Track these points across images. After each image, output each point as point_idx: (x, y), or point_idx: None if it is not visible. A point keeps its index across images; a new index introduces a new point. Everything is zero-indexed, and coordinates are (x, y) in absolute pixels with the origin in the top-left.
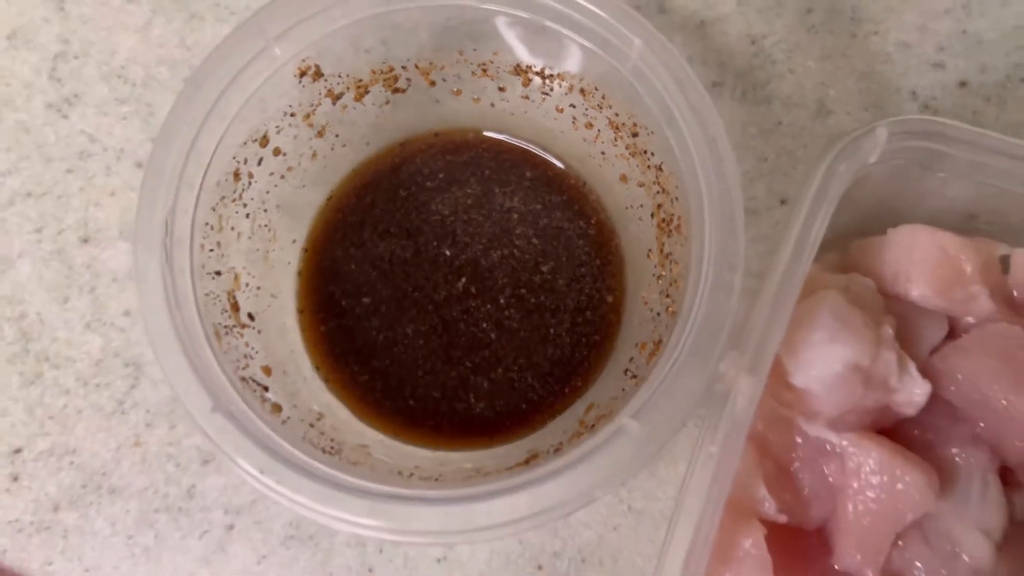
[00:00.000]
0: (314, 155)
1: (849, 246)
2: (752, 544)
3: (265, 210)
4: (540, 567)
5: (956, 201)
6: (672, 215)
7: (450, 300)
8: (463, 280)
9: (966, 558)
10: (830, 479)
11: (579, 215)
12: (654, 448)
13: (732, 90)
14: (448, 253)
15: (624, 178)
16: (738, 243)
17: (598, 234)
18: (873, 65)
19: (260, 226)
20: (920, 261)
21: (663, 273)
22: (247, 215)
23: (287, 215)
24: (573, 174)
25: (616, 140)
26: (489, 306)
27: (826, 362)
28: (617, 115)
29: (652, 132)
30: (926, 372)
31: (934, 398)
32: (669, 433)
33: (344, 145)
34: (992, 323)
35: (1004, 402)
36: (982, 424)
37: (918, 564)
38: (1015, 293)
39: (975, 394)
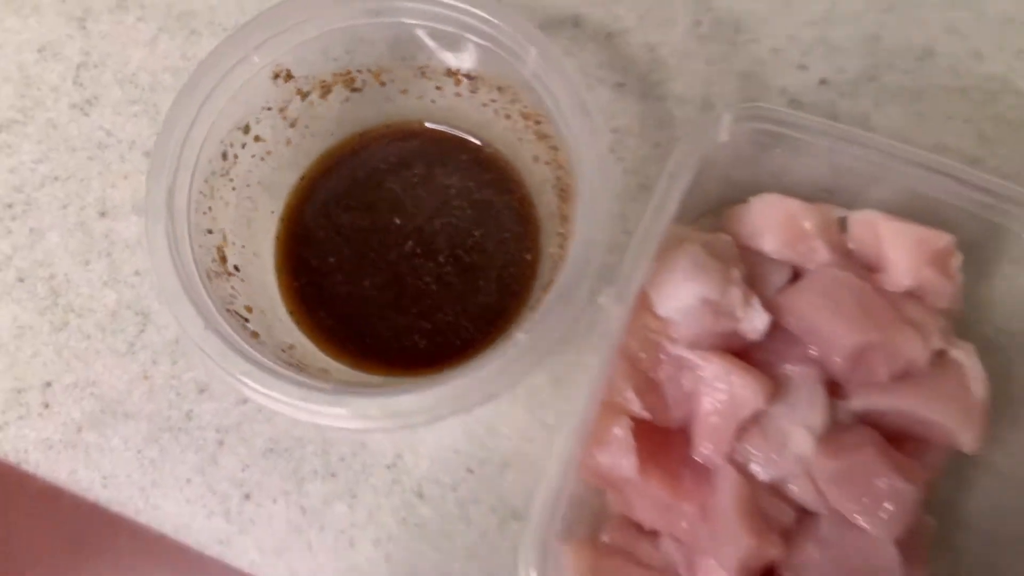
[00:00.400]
0: (288, 142)
1: (723, 213)
2: (620, 431)
3: (248, 185)
4: (470, 470)
5: (809, 176)
6: (567, 185)
7: (400, 259)
8: (410, 243)
9: (792, 448)
10: (687, 388)
11: (505, 190)
12: (537, 356)
13: (633, 90)
14: (398, 222)
15: (536, 158)
16: (605, 206)
17: (520, 206)
18: (750, 67)
19: (244, 198)
20: (771, 221)
21: (561, 231)
22: (233, 188)
23: (266, 191)
24: (500, 156)
25: (527, 128)
26: (431, 264)
27: (683, 296)
28: (525, 107)
29: (548, 122)
30: (770, 307)
31: (776, 327)
32: (550, 343)
33: (313, 134)
34: (826, 268)
35: (827, 328)
36: (812, 348)
37: (755, 453)
38: (851, 247)
39: (807, 323)
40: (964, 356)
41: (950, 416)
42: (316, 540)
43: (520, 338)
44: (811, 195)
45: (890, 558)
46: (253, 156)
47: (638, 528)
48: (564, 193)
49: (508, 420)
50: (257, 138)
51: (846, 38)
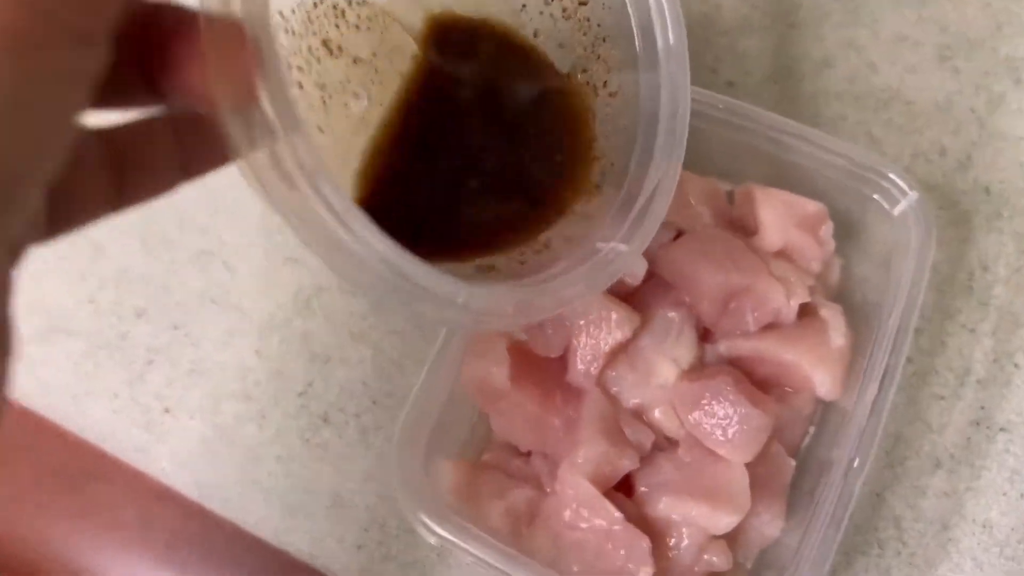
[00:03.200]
0: None
1: None
2: (497, 344)
3: None
4: (375, 402)
5: (710, 156)
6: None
7: (461, 146)
8: (473, 131)
9: (657, 378)
10: (567, 322)
11: (561, 91)
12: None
13: None
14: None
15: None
16: None
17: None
18: None
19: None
20: None
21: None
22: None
23: None
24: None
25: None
26: (490, 150)
27: None
28: None
29: None
30: (651, 259)
31: (653, 277)
32: None
33: None
34: (705, 227)
35: (698, 273)
36: (686, 295)
37: (623, 379)
38: (734, 216)
39: (680, 271)
40: (829, 313)
41: (807, 359)
42: (224, 455)
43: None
44: (707, 173)
45: (739, 479)
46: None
47: (516, 451)
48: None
49: (416, 357)
50: None
51: (753, 47)
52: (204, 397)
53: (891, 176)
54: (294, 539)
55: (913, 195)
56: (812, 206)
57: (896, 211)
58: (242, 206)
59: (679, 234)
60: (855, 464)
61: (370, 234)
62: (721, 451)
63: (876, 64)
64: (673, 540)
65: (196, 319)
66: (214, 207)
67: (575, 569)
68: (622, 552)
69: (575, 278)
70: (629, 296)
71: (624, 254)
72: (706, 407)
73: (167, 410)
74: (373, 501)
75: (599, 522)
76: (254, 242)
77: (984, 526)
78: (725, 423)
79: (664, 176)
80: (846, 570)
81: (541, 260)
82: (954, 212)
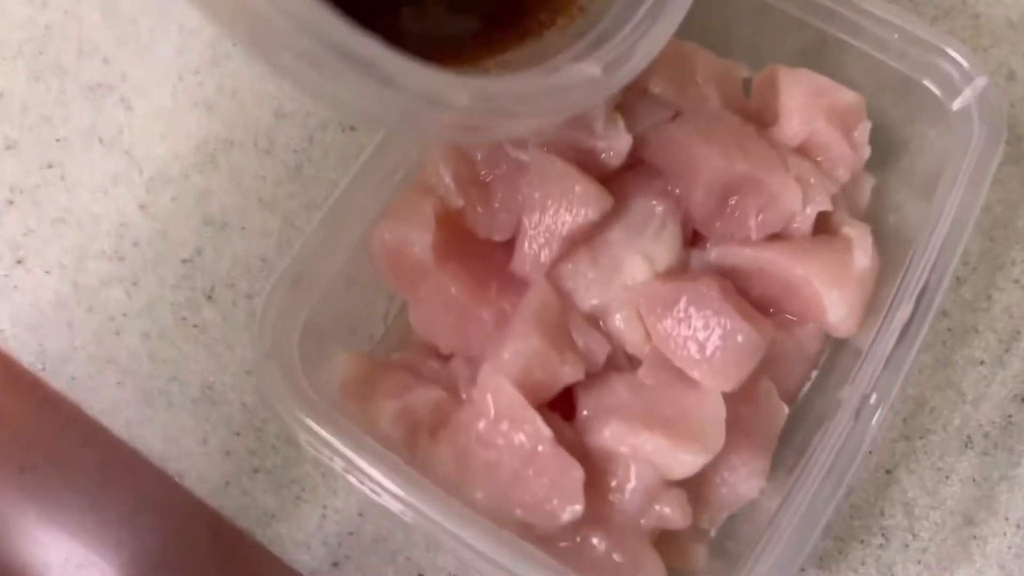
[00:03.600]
0: None
1: None
2: (422, 205)
3: None
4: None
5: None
6: None
7: None
8: None
9: (624, 276)
10: (520, 198)
11: None
12: None
13: None
14: None
15: None
16: None
17: None
18: None
19: None
20: (662, 63)
21: None
22: None
23: None
24: None
25: None
26: None
27: None
28: None
29: None
30: (641, 140)
31: (640, 163)
32: None
33: None
34: (709, 109)
35: (692, 156)
36: (677, 187)
37: (582, 274)
38: (752, 106)
39: (672, 153)
40: (854, 231)
41: (821, 278)
42: (79, 320)
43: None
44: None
45: (712, 410)
46: None
47: (435, 353)
48: None
49: None
50: None
51: None
52: (68, 251)
53: (951, 54)
54: (146, 434)
55: (980, 81)
56: (848, 95)
57: (955, 105)
58: (157, 39)
59: (678, 115)
60: (871, 401)
61: None
62: (694, 372)
63: None
64: (616, 480)
65: (76, 160)
66: (122, 36)
67: (478, 496)
68: (545, 481)
69: (540, 91)
70: (606, 180)
71: (598, 80)
72: (681, 315)
73: (20, 261)
74: (252, 401)
75: (520, 439)
76: (162, 81)
77: (1018, 526)
78: (704, 337)
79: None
80: (838, 560)
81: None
82: (1018, 148)
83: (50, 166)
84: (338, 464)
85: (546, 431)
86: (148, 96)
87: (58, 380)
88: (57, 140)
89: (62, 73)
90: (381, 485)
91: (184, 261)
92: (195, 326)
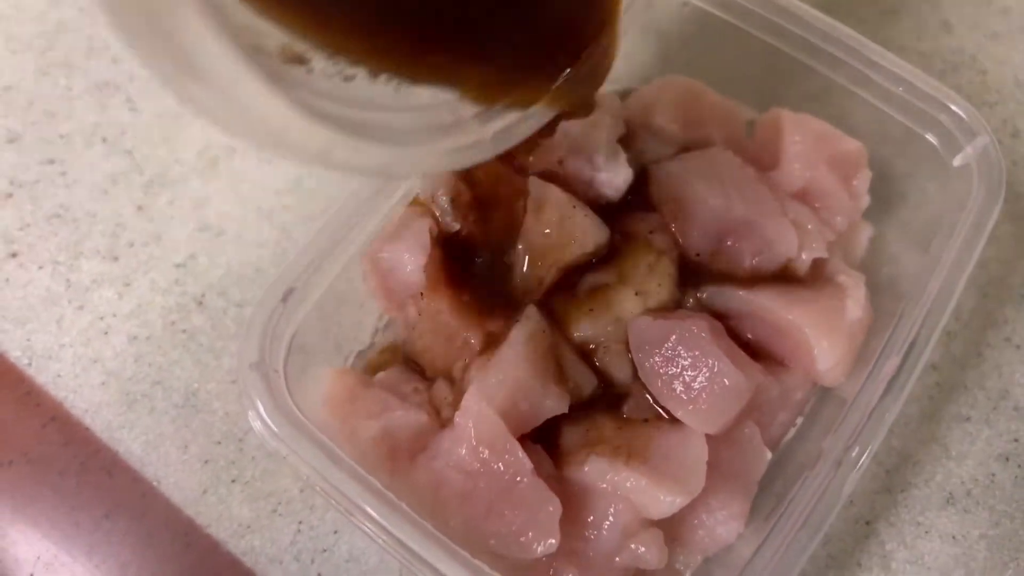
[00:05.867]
0: None
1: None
2: (418, 226)
3: None
4: None
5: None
6: None
7: None
8: None
9: (616, 310)
10: (518, 224)
11: None
12: None
13: None
14: None
15: None
16: None
17: None
18: None
19: None
20: (668, 97)
21: None
22: None
23: None
24: None
25: None
26: None
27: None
28: None
29: None
30: (641, 173)
31: (641, 196)
32: None
33: None
34: (713, 148)
35: (692, 195)
36: (674, 223)
37: (574, 304)
38: (754, 148)
39: (672, 190)
40: (849, 280)
41: (813, 325)
42: (69, 318)
43: None
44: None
45: (694, 452)
46: None
47: (420, 374)
48: None
49: None
50: None
51: None
52: (62, 248)
53: (955, 110)
54: (127, 437)
55: (982, 139)
56: (850, 144)
57: (956, 161)
58: None
59: (680, 151)
60: (852, 454)
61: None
62: (679, 412)
63: (951, 23)
64: (594, 516)
65: (77, 157)
66: None
67: (452, 523)
68: (521, 513)
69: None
70: (605, 211)
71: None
72: (669, 353)
73: (13, 255)
74: (235, 411)
75: (499, 467)
76: None
77: None
78: (691, 377)
79: None
80: None
81: None
82: (1017, 206)
83: (51, 162)
84: (314, 481)
85: (526, 463)
86: (154, 98)
87: (43, 376)
88: (60, 136)
89: (70, 70)
90: (356, 505)
91: (177, 265)
92: (184, 331)
